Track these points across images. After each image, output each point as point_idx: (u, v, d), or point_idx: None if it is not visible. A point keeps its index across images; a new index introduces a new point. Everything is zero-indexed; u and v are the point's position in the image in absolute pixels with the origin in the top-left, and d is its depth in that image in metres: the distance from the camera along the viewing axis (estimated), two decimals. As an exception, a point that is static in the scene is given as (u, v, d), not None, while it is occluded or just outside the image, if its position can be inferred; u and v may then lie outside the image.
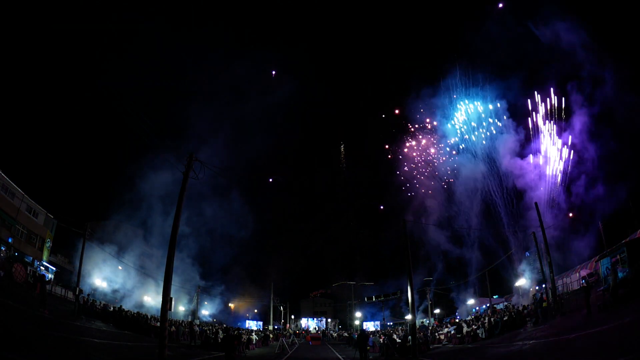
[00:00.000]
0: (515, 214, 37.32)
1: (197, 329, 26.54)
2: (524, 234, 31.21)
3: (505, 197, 38.50)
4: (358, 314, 51.93)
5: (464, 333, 22.70)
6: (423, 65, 61.05)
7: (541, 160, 35.78)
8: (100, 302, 26.59)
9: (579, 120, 33.30)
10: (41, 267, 28.08)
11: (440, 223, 42.57)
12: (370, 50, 68.70)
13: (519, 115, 38.25)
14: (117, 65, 40.37)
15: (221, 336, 23.66)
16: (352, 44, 72.25)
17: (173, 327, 24.01)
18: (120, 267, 35.72)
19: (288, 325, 53.17)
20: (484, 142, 40.88)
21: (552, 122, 35.30)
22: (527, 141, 37.37)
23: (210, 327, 29.85)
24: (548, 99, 35.38)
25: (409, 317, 36.41)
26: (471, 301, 39.50)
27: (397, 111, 47.94)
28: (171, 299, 13.75)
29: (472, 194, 41.07)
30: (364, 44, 70.39)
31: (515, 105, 38.50)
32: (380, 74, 70.01)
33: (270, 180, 52.93)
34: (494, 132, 40.22)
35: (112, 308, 25.10)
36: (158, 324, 18.49)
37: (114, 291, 34.74)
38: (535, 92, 36.19)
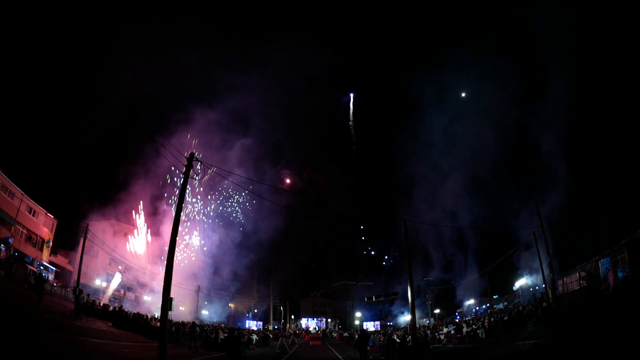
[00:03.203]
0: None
1: (198, 329, 26.52)
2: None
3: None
4: (358, 314, 51.95)
5: (464, 333, 22.69)
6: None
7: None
8: (100, 302, 26.59)
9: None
10: (41, 267, 28.09)
11: (441, 222, 42.57)
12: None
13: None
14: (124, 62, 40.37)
15: (221, 336, 23.69)
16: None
17: (173, 327, 23.99)
18: (120, 267, 35.74)
19: (288, 325, 53.14)
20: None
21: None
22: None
23: (210, 328, 29.83)
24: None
25: (406, 317, 36.19)
26: (471, 301, 39.51)
27: None
28: (171, 299, 13.73)
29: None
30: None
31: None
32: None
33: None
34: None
35: (111, 308, 25.09)
36: (158, 324, 18.48)
37: (117, 291, 34.77)
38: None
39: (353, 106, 62.45)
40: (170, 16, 46.19)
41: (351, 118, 62.17)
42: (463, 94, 45.74)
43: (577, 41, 31.98)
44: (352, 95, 62.93)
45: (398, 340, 21.94)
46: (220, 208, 46.74)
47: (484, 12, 42.97)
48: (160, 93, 47.47)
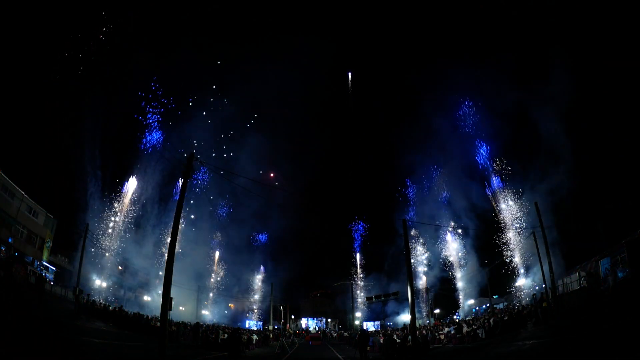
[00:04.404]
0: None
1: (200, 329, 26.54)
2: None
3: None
4: (358, 314, 51.97)
5: (464, 333, 22.69)
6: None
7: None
8: (100, 302, 26.60)
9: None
10: (41, 267, 28.09)
11: (440, 219, 42.38)
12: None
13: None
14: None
15: (222, 337, 23.71)
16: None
17: (173, 327, 24.01)
18: (120, 267, 35.73)
19: (288, 325, 53.17)
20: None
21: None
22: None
23: (211, 328, 29.85)
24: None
25: (404, 317, 35.97)
26: (471, 301, 39.46)
27: None
28: (171, 299, 13.74)
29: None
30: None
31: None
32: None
33: (272, 175, 52.22)
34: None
35: (111, 308, 25.11)
36: (158, 324, 18.49)
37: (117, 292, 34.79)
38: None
39: (352, 88, 59.89)
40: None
41: (350, 92, 59.63)
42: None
43: (583, 26, 31.29)
44: (349, 73, 59.61)
45: (398, 341, 21.95)
46: (211, 208, 46.48)
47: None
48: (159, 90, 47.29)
